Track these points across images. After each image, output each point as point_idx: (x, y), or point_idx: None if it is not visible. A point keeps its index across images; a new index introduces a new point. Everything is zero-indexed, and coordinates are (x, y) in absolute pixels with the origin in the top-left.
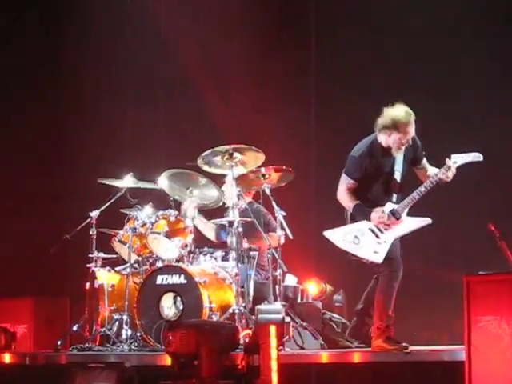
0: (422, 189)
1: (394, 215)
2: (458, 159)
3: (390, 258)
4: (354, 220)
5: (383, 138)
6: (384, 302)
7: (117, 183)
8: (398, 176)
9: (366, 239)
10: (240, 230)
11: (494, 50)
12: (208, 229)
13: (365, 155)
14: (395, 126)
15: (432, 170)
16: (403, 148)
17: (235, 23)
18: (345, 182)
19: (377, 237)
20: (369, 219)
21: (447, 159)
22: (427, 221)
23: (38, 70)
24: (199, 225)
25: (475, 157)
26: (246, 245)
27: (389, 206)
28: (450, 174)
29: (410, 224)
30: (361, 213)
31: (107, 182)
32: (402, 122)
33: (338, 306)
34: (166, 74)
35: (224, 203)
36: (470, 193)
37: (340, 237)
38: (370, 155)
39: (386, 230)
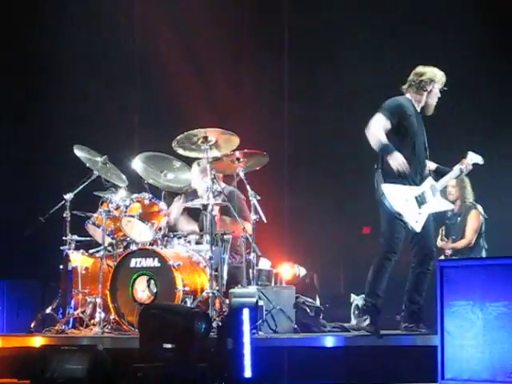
0: (453, 174)
1: (433, 192)
2: (473, 158)
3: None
4: (387, 179)
5: (423, 96)
6: (374, 277)
7: (90, 158)
8: (426, 143)
9: (412, 205)
10: (214, 213)
11: None
12: (193, 226)
13: (406, 106)
14: (436, 78)
15: None
16: None
17: (208, 4)
18: (381, 121)
19: (419, 207)
20: (390, 157)
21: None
22: (451, 206)
23: (13, 52)
24: (183, 225)
25: (481, 160)
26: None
27: (429, 181)
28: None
29: (441, 204)
30: (386, 150)
31: (81, 152)
32: (439, 74)
33: (314, 288)
34: (139, 56)
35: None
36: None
37: (397, 194)
38: (409, 110)
39: (426, 203)
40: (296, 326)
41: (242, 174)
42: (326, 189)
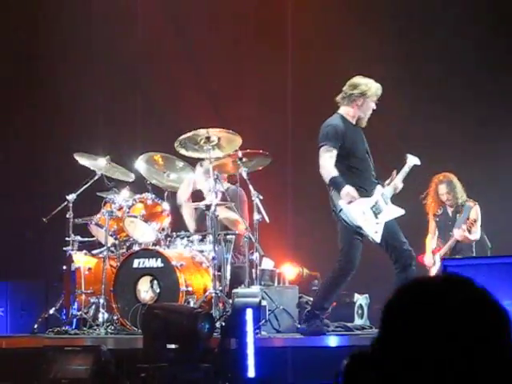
0: (398, 181)
1: (385, 200)
2: (413, 160)
3: (350, 250)
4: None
5: (354, 109)
6: (325, 291)
7: (92, 162)
8: (368, 152)
9: (369, 217)
10: (217, 213)
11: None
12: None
13: (341, 126)
14: (368, 92)
15: None
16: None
17: (211, 6)
18: (326, 152)
19: (376, 217)
20: (339, 192)
21: (409, 157)
22: (402, 211)
23: (12, 54)
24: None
25: (418, 161)
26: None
27: (379, 189)
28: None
29: (393, 211)
30: (336, 185)
31: (82, 158)
32: (374, 87)
33: (314, 289)
34: (141, 58)
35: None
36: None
37: (354, 208)
38: (345, 127)
39: (381, 212)
40: (299, 326)
41: (244, 174)
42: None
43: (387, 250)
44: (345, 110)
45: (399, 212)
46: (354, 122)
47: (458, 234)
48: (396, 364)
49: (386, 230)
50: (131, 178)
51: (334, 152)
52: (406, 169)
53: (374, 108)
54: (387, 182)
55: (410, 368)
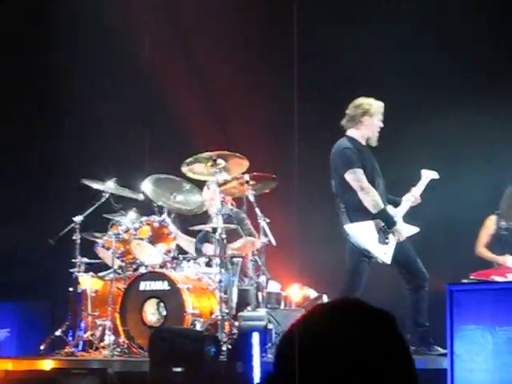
0: (412, 198)
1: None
2: (428, 175)
3: (356, 271)
4: (353, 219)
5: (361, 130)
6: None
7: (100, 186)
8: (379, 171)
9: (378, 239)
10: (224, 236)
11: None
12: (189, 244)
13: (352, 149)
14: (371, 109)
15: None
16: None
17: (221, 29)
18: (358, 175)
19: (386, 238)
20: (392, 226)
21: (423, 172)
22: (416, 229)
23: (17, 78)
24: (180, 241)
25: (435, 174)
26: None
27: (390, 210)
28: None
29: (405, 230)
30: (386, 218)
31: (90, 184)
32: (376, 104)
33: None
34: (150, 80)
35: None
36: (451, 200)
37: (360, 231)
38: (356, 148)
39: (390, 233)
40: None
41: (251, 197)
42: (335, 211)
43: (400, 270)
44: (352, 132)
45: (412, 230)
46: (363, 143)
47: None
48: None
49: (398, 251)
50: (140, 197)
51: (362, 172)
52: (420, 186)
53: (381, 126)
54: (404, 197)
55: None
